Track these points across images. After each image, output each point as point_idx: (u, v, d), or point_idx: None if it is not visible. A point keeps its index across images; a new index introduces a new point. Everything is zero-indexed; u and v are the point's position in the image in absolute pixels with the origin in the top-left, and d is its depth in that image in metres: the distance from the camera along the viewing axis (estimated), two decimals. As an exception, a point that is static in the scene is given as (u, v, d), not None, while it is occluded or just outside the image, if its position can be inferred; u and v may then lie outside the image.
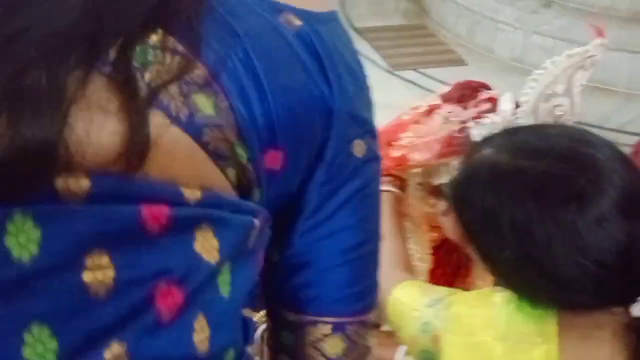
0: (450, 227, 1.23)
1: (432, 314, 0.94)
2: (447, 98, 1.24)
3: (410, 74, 3.74)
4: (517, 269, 0.84)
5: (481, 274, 1.43)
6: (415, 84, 3.64)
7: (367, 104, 0.60)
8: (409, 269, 1.17)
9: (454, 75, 3.75)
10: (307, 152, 0.54)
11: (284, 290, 0.60)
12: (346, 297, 0.60)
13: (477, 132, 1.14)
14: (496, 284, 1.27)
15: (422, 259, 1.38)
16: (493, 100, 1.18)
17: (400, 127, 1.32)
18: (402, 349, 1.29)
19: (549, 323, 0.83)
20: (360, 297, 0.61)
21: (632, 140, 2.99)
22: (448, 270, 1.42)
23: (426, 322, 0.94)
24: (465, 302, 0.93)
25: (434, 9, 4.43)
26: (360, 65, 0.60)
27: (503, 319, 0.86)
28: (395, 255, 1.15)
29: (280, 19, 0.51)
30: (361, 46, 4.07)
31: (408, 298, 1.01)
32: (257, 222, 0.51)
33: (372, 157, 0.59)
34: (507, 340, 0.84)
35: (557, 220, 0.78)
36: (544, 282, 0.82)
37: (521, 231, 0.80)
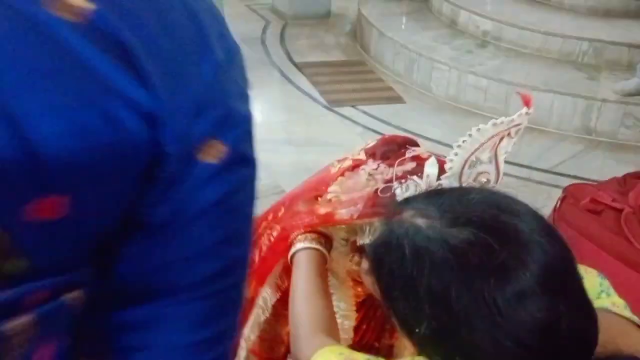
0: (372, 288, 1.19)
1: None
2: (371, 153, 1.20)
3: (348, 111, 3.73)
4: (435, 342, 0.79)
5: None
6: (353, 120, 3.63)
7: (235, 91, 0.46)
8: (332, 332, 1.11)
9: (392, 113, 3.81)
10: (114, 183, 0.40)
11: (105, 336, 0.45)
12: (190, 346, 0.45)
13: (401, 194, 1.10)
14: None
15: (347, 316, 1.33)
16: (419, 159, 1.14)
17: (326, 180, 1.27)
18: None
19: None
20: (208, 346, 0.47)
21: (563, 180, 3.06)
22: (373, 325, 1.37)
23: None
24: None
25: (372, 46, 4.47)
26: (229, 39, 0.46)
27: None
28: (317, 317, 1.09)
29: (47, 7, 0.35)
30: (300, 82, 4.06)
31: None
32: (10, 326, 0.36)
33: (238, 161, 0.47)
34: None
35: (475, 295, 0.74)
36: (462, 358, 0.77)
37: (439, 303, 0.76)
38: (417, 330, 0.79)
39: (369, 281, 1.19)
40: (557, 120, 3.58)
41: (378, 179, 1.15)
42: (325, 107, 3.76)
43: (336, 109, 3.76)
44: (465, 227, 0.77)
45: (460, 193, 0.87)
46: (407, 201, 0.91)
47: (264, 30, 4.88)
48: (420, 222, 0.81)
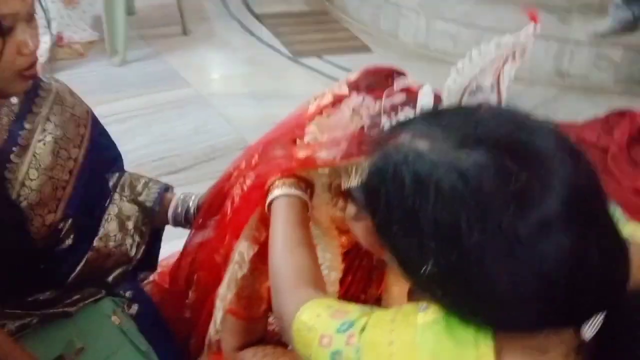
0: (361, 234, 1.07)
1: (343, 340, 0.76)
2: (354, 86, 1.06)
3: (313, 62, 3.57)
4: (443, 283, 0.67)
5: (396, 279, 1.28)
6: (319, 71, 3.48)
7: None
8: (318, 284, 0.99)
9: (359, 63, 3.60)
10: None
11: None
12: None
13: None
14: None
15: (333, 267, 1.21)
16: (409, 91, 1.01)
17: (302, 120, 1.13)
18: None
19: (485, 348, 0.67)
20: None
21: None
22: (359, 276, 1.26)
23: (336, 351, 0.76)
24: (382, 324, 0.75)
25: (336, -6, 4.28)
26: None
27: (428, 346, 0.69)
28: (300, 268, 0.96)
29: None
30: (262, 33, 3.86)
31: (315, 321, 0.82)
32: None
33: None
34: None
35: (491, 226, 0.63)
36: (475, 299, 0.66)
37: (447, 238, 0.64)
38: (421, 270, 0.67)
39: (356, 228, 1.07)
40: (529, 64, 3.48)
41: (363, 114, 1.02)
42: (289, 58, 3.59)
43: (301, 59, 3.59)
44: (475, 148, 0.65)
45: (465, 111, 0.75)
46: (404, 124, 0.78)
47: (220, -19, 4.64)
48: (422, 145, 0.68)
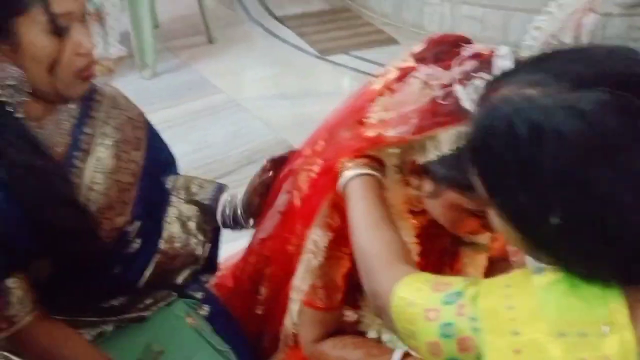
0: (439, 211, 1.04)
1: (453, 312, 0.73)
2: (421, 58, 1.03)
3: (340, 58, 3.55)
4: (568, 236, 0.64)
5: (471, 259, 1.25)
6: (347, 67, 3.46)
7: None
8: (408, 258, 0.96)
9: (387, 55, 3.62)
10: None
11: None
12: None
13: (467, 97, 0.93)
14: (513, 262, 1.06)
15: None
16: (480, 57, 0.98)
17: (367, 100, 1.10)
18: (397, 355, 1.11)
19: (616, 304, 0.64)
20: None
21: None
22: (433, 259, 1.23)
23: (447, 323, 0.73)
24: (496, 291, 0.71)
25: (355, -10, 4.27)
26: None
27: (553, 306, 0.66)
28: (389, 245, 0.93)
29: None
30: (286, 35, 3.86)
31: (417, 296, 0.79)
32: None
33: None
34: (565, 334, 0.64)
35: (621, 167, 0.60)
36: (605, 250, 0.63)
37: (573, 185, 0.61)
38: (543, 225, 0.64)
39: (433, 204, 1.04)
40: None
41: (434, 86, 0.98)
42: (316, 56, 3.58)
43: (328, 57, 3.58)
44: (593, 87, 0.61)
45: (570, 52, 0.71)
46: (502, 77, 0.75)
47: (238, -12, 4.65)
48: (531, 93, 0.65)
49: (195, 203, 1.33)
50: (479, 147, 0.71)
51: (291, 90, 3.19)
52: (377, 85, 1.09)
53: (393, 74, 1.07)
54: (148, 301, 1.27)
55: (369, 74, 3.28)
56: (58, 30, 0.99)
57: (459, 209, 1.00)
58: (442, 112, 0.96)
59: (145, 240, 1.26)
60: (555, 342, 0.64)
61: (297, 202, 1.18)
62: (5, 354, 1.17)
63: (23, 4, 0.96)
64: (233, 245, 1.54)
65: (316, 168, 1.14)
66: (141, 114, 1.27)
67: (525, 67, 0.72)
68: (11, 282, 1.05)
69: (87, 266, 1.10)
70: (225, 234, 1.43)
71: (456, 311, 0.72)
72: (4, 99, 1.01)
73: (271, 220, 1.37)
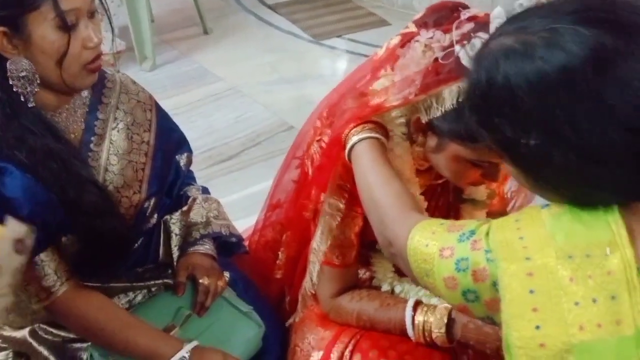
0: (444, 164, 1.12)
1: (467, 247, 0.80)
2: (421, 24, 1.10)
3: (335, 41, 3.62)
4: (576, 168, 0.71)
5: (471, 216, 1.32)
6: (342, 49, 3.53)
7: None
8: (420, 210, 1.04)
9: (380, 36, 3.67)
10: None
11: None
12: None
13: (467, 55, 1.00)
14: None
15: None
16: (476, 19, 1.05)
17: (373, 67, 1.18)
18: (410, 302, 1.18)
19: (615, 225, 0.71)
20: None
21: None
22: (438, 215, 1.32)
23: (462, 258, 0.80)
24: (507, 225, 0.78)
25: (344, -25, 4.31)
26: None
27: (560, 233, 0.72)
28: (400, 197, 1.00)
29: None
30: (279, 22, 3.92)
31: (432, 238, 0.85)
32: None
33: None
34: (573, 257, 0.71)
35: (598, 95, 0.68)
36: (599, 174, 0.71)
37: (556, 119, 0.70)
38: (523, 143, 0.72)
39: (438, 158, 1.12)
40: None
41: (435, 48, 1.05)
42: (310, 41, 3.64)
43: (322, 41, 3.64)
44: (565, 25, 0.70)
45: (546, 6, 0.77)
46: (493, 34, 0.82)
47: (228, -20, 4.70)
48: (507, 40, 0.74)
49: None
50: (474, 98, 0.78)
51: (289, 74, 3.26)
52: (381, 52, 1.17)
53: (396, 40, 1.14)
54: (171, 270, 1.34)
55: (363, 55, 3.35)
56: (66, 26, 1.05)
57: (462, 160, 1.07)
58: (443, 71, 1.03)
59: (162, 215, 1.34)
60: (564, 264, 0.70)
61: (310, 171, 1.26)
62: (43, 326, 1.26)
63: (34, 1, 1.02)
64: (244, 222, 1.64)
65: (326, 138, 1.21)
66: (150, 97, 1.34)
67: (507, 23, 0.79)
68: (44, 256, 1.13)
69: (112, 241, 1.18)
70: (235, 212, 1.51)
71: (470, 247, 0.79)
72: (18, 89, 1.07)
73: (284, 191, 1.45)
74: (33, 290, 1.15)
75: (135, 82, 1.34)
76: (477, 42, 1.00)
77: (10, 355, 1.29)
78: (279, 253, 1.39)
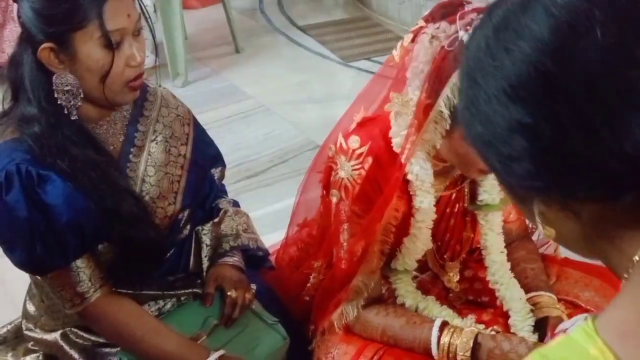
0: (451, 150, 1.14)
1: None
2: (430, 19, 1.13)
3: (363, 64, 3.66)
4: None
5: (486, 220, 1.33)
6: (370, 72, 3.56)
7: None
8: None
9: (408, 60, 3.73)
10: None
11: None
12: None
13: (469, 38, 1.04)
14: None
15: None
16: (480, 10, 1.07)
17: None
18: (438, 323, 1.21)
19: None
20: None
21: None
22: (456, 222, 1.35)
23: None
24: None
25: (374, 0, 4.38)
26: None
27: None
28: None
29: None
30: (309, 43, 3.98)
31: None
32: None
33: None
34: None
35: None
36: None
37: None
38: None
39: (447, 147, 1.13)
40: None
41: (442, 37, 1.08)
42: (339, 63, 3.69)
43: (350, 63, 3.69)
44: None
45: None
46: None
47: (260, 1, 4.79)
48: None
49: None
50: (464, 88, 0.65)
51: (317, 94, 3.31)
52: (396, 52, 1.21)
53: (408, 37, 1.18)
54: (200, 280, 1.37)
55: (391, 77, 3.39)
56: (111, 45, 1.09)
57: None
58: (450, 57, 1.06)
59: (194, 227, 1.38)
60: None
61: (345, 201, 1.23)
62: (74, 329, 1.29)
63: (81, 21, 1.07)
64: (270, 237, 1.66)
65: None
66: (189, 112, 1.37)
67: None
68: (80, 262, 1.17)
69: (146, 250, 1.21)
70: (261, 227, 1.53)
71: None
72: (62, 102, 1.12)
73: (309, 209, 1.48)
74: (67, 296, 1.19)
75: (175, 96, 1.38)
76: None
77: (41, 357, 1.32)
78: (311, 277, 1.40)
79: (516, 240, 1.40)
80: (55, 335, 1.29)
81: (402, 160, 1.16)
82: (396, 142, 1.19)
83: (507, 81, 0.57)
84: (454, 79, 1.04)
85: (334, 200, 1.24)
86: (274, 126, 3.00)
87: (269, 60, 3.75)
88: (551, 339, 1.14)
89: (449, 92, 1.06)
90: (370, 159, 1.19)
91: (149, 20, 1.22)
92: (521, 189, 0.61)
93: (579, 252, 0.64)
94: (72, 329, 1.29)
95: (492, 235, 1.32)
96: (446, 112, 1.07)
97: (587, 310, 1.29)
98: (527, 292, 1.29)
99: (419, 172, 1.19)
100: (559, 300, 1.30)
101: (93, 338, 1.28)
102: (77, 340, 1.29)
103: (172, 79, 3.41)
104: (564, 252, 1.48)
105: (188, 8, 4.16)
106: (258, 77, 3.54)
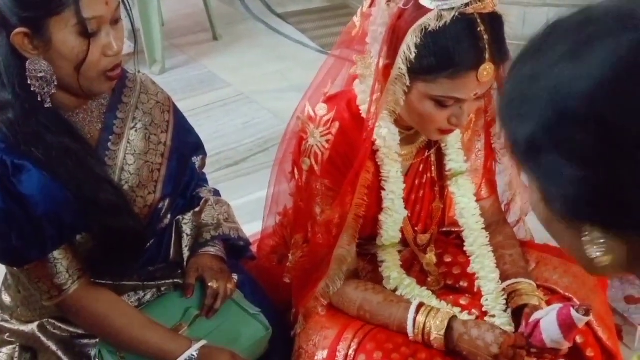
0: (411, 109, 1.17)
1: None
2: None
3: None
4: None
5: (458, 187, 1.36)
6: (351, 61, 3.55)
7: None
8: None
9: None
10: None
11: None
12: None
13: None
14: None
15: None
16: None
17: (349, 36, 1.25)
18: (415, 303, 1.23)
19: None
20: None
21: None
22: (425, 192, 1.38)
23: None
24: None
25: (353, -13, 4.36)
26: None
27: None
28: None
29: None
30: (288, 31, 3.95)
31: None
32: None
33: None
34: None
35: None
36: None
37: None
38: None
39: (407, 107, 1.16)
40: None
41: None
42: (319, 51, 3.67)
43: (330, 51, 3.67)
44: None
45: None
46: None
47: (238, -13, 4.74)
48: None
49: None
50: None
51: (297, 82, 3.28)
52: (357, 18, 1.23)
53: (367, 3, 1.20)
54: (181, 270, 1.36)
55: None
56: (87, 33, 1.05)
57: (427, 100, 1.13)
58: (405, 15, 1.10)
59: (175, 216, 1.36)
60: None
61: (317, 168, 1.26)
62: (52, 320, 1.27)
63: (57, 6, 1.03)
64: (250, 227, 1.64)
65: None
66: (168, 98, 1.35)
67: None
68: (57, 254, 1.14)
69: (125, 240, 1.19)
70: (241, 217, 1.52)
71: None
72: (35, 89, 1.08)
73: (284, 201, 1.49)
74: (44, 288, 1.17)
75: (155, 82, 1.36)
76: None
77: (17, 349, 1.30)
78: (289, 255, 1.40)
79: (493, 225, 1.42)
80: (32, 327, 1.27)
81: (369, 124, 1.18)
82: (363, 108, 1.22)
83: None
84: (409, 35, 1.08)
85: (305, 167, 1.26)
86: (253, 114, 2.97)
87: (248, 48, 3.71)
88: (525, 328, 1.17)
89: (406, 48, 1.09)
90: (337, 124, 1.23)
91: (128, 8, 1.18)
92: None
93: (615, 271, 0.63)
94: (50, 320, 1.27)
95: (464, 201, 1.35)
96: (404, 69, 1.11)
97: (565, 297, 1.31)
98: (506, 279, 1.31)
99: (387, 135, 1.23)
100: (538, 287, 1.31)
101: (71, 329, 1.26)
102: (54, 331, 1.26)
103: (149, 67, 3.36)
104: (542, 239, 1.50)
105: (165, -7, 4.11)
106: (237, 64, 3.50)
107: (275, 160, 1.46)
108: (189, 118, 1.45)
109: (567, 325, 1.10)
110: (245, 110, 3.02)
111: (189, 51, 3.67)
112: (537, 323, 1.15)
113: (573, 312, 1.10)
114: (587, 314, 1.09)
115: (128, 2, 1.18)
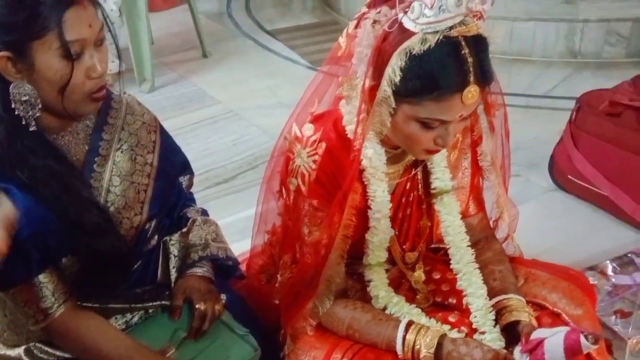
0: (397, 130, 1.17)
1: None
2: (372, 5, 1.17)
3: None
4: None
5: (443, 205, 1.36)
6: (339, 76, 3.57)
7: None
8: None
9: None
10: None
11: None
12: None
13: (409, 19, 1.08)
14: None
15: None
16: None
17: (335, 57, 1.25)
18: (404, 322, 1.22)
19: None
20: None
21: (561, 103, 3.06)
22: (412, 210, 1.39)
23: None
24: None
25: (342, 4, 4.39)
26: None
27: None
28: None
29: None
30: (277, 47, 3.97)
31: None
32: None
33: None
34: None
35: None
36: None
37: None
38: None
39: (393, 128, 1.16)
40: (541, 47, 3.57)
41: (383, 21, 1.13)
42: (308, 67, 3.69)
43: (319, 68, 3.68)
44: None
45: None
46: None
47: (228, 5, 4.76)
48: None
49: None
50: None
51: (287, 99, 3.29)
52: (342, 39, 1.23)
53: (352, 24, 1.20)
54: (169, 291, 1.35)
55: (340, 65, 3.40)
56: (70, 55, 1.05)
57: (413, 121, 1.14)
58: (390, 38, 1.11)
59: (162, 237, 1.35)
60: None
61: (303, 188, 1.25)
62: (39, 345, 1.26)
63: (40, 30, 1.03)
64: (239, 245, 1.64)
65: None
66: (155, 119, 1.35)
67: None
68: (42, 277, 1.14)
69: (112, 262, 1.18)
70: (231, 235, 1.51)
71: None
72: (19, 113, 1.08)
73: (272, 219, 1.48)
74: (30, 312, 1.16)
75: (140, 103, 1.35)
76: (417, 5, 1.08)
77: (3, 374, 1.29)
78: (278, 276, 1.39)
79: (482, 241, 1.42)
80: (18, 351, 1.25)
81: (356, 144, 1.18)
82: (350, 129, 1.22)
83: None
84: (394, 58, 1.08)
85: (292, 188, 1.26)
86: (243, 132, 2.98)
87: (237, 65, 3.72)
88: (524, 345, 1.16)
89: (391, 71, 1.09)
90: (324, 144, 1.23)
91: (112, 29, 1.18)
92: None
93: None
94: (37, 344, 1.25)
95: (450, 219, 1.35)
96: (389, 91, 1.11)
97: (554, 313, 1.31)
98: (495, 295, 1.31)
99: (373, 155, 1.23)
100: (527, 302, 1.31)
101: (58, 353, 1.24)
102: (41, 355, 1.25)
103: (139, 85, 3.36)
104: (531, 255, 1.51)
105: (154, 10, 4.12)
106: (226, 82, 3.51)
107: (263, 178, 1.46)
108: (179, 136, 1.45)
109: (572, 351, 1.10)
110: (234, 128, 3.03)
111: (178, 69, 3.68)
112: (541, 342, 1.14)
113: (582, 339, 1.09)
114: (596, 342, 1.08)
115: (112, 24, 1.18)
